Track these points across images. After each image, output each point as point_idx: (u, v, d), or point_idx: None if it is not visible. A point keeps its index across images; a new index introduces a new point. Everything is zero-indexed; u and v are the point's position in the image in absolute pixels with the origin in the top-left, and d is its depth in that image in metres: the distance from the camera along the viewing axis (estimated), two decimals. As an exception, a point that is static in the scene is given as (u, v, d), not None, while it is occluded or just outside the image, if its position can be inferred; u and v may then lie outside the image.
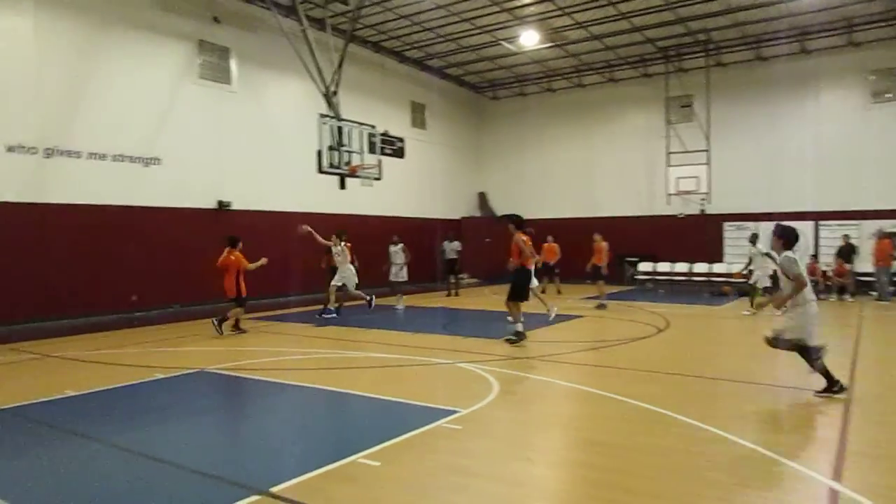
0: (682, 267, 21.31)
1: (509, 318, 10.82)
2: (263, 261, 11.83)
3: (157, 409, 7.14)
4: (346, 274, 13.65)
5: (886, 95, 19.26)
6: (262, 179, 17.10)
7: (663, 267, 21.57)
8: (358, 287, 13.85)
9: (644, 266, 21.61)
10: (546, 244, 19.68)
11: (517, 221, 10.75)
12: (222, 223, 15.81)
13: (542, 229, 21.01)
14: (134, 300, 13.89)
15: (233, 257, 11.53)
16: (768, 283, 13.73)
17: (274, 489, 4.29)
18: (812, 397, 6.71)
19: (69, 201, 13.06)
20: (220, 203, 15.98)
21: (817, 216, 19.72)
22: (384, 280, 16.28)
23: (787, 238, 7.01)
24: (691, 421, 5.87)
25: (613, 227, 22.65)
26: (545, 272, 19.67)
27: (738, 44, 20.31)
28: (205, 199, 15.72)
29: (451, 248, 19.28)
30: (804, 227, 19.71)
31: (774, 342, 7.02)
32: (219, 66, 16.24)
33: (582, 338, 11.29)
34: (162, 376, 8.29)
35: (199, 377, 8.34)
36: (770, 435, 5.52)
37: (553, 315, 12.91)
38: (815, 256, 18.88)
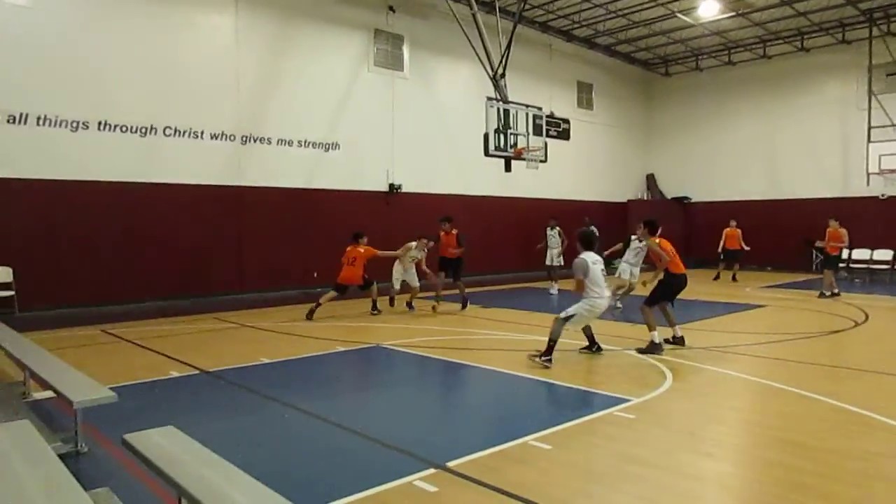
0: (883, 254, 19.05)
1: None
2: (393, 252, 12.38)
3: (340, 379, 7.69)
4: (407, 275, 12.83)
5: None
6: (431, 163, 17.62)
7: (860, 254, 19.38)
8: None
9: (837, 253, 19.48)
10: (728, 229, 18.55)
11: (651, 225, 9.30)
12: (393, 205, 16.60)
13: (718, 213, 19.75)
14: (315, 277, 14.99)
15: (361, 249, 11.80)
16: None
17: (450, 464, 4.44)
18: None
19: (261, 184, 14.35)
20: (391, 186, 16.72)
21: None
22: (541, 263, 16.29)
23: (582, 241, 7.87)
24: (900, 426, 5.26)
25: (799, 210, 20.79)
26: (727, 259, 18.55)
27: (965, -2, 17.56)
28: (377, 182, 16.53)
29: None
30: None
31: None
32: (392, 54, 16.93)
33: (765, 329, 10.47)
34: (343, 349, 8.90)
35: (376, 352, 8.83)
36: None
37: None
38: None
